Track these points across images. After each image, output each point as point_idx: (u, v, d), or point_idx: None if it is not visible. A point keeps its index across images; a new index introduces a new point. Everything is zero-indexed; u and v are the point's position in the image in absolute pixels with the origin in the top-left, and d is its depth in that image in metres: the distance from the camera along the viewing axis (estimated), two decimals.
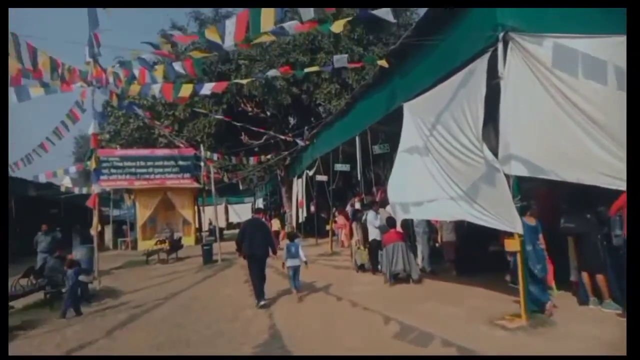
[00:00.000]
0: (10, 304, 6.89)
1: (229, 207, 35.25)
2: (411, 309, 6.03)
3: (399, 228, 7.97)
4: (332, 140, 13.13)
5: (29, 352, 5.33)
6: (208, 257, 13.21)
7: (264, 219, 8.38)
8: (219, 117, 16.71)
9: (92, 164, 9.69)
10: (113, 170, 17.05)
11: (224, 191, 32.82)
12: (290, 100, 18.18)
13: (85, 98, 10.20)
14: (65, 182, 20.79)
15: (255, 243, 7.16)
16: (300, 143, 16.08)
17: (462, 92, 5.68)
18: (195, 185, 21.23)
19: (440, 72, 6.54)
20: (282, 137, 16.39)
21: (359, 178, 10.86)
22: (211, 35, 6.53)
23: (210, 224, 25.12)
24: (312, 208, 17.02)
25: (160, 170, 17.26)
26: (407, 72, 7.95)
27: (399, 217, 7.58)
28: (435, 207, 6.38)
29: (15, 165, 14.23)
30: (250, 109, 18.39)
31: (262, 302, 6.83)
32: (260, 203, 36.89)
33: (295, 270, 7.28)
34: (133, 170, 17.08)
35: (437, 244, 9.40)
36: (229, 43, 6.40)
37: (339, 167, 12.19)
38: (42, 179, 19.29)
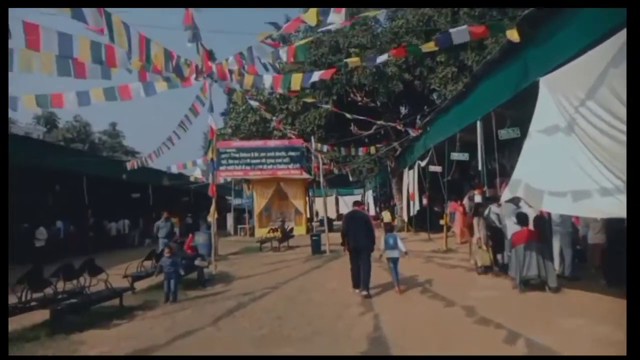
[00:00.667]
0: (135, 284, 7.47)
1: (340, 198, 35.51)
2: (547, 325, 4.97)
3: (531, 225, 6.76)
4: (448, 127, 11.99)
5: (142, 333, 5.62)
6: (316, 247, 13.20)
7: (363, 211, 8.15)
8: (327, 106, 16.43)
9: (209, 155, 10.22)
10: (230, 161, 18.54)
11: (335, 183, 33.08)
12: (402, 87, 17.24)
13: (207, 92, 10.81)
14: (196, 173, 22.94)
15: (358, 236, 7.22)
16: (412, 133, 15.15)
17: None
18: (305, 176, 21.65)
19: (590, 37, 5.26)
20: (393, 125, 15.56)
21: (479, 168, 9.65)
22: (311, 17, 6.19)
23: (317, 214, 25.47)
24: (425, 201, 15.96)
25: (272, 160, 18.32)
26: (544, 41, 6.65)
27: (526, 204, 6.37)
28: (581, 202, 5.12)
29: (149, 157, 15.96)
30: (359, 99, 17.92)
31: (364, 292, 6.94)
32: (370, 195, 36.54)
33: (395, 262, 7.12)
34: (248, 160, 18.38)
35: (577, 246, 7.86)
36: (331, 19, 5.98)
37: (455, 156, 11.05)
38: (174, 170, 21.50)
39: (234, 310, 6.57)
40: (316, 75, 8.76)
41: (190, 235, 9.37)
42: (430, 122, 14.26)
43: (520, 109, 7.86)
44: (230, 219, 26.69)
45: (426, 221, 17.21)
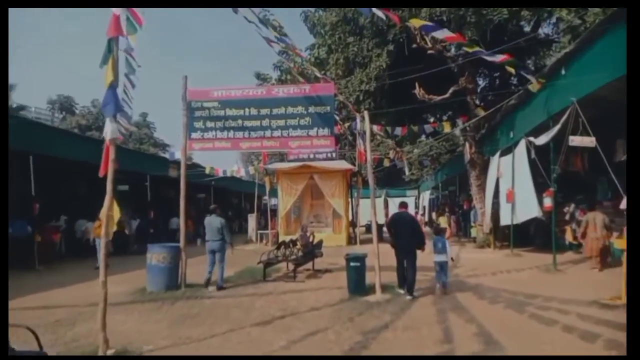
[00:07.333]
0: None
1: (389, 200, 28.53)
2: None
3: None
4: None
5: None
6: (357, 283, 7.11)
7: (409, 213, 7.54)
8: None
9: (108, 77, 4.40)
10: (210, 124, 8.37)
11: (381, 182, 26.62)
12: (507, 14, 10.54)
13: None
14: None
15: (404, 239, 7.06)
16: (533, 83, 8.61)
17: None
18: (346, 165, 15.77)
19: None
20: (498, 61, 8.38)
21: None
22: None
23: (354, 216, 19.08)
24: (548, 203, 9.44)
25: (282, 122, 8.38)
26: None
27: None
28: None
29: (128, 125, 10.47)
30: (429, 46, 11.66)
31: (409, 297, 6.74)
32: (426, 198, 29.63)
33: (442, 265, 7.01)
34: (239, 122, 8.68)
35: None
36: None
37: None
38: (179, 156, 16.45)
39: None
40: None
41: None
42: (568, 59, 7.84)
43: None
44: (252, 222, 21.19)
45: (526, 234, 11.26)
